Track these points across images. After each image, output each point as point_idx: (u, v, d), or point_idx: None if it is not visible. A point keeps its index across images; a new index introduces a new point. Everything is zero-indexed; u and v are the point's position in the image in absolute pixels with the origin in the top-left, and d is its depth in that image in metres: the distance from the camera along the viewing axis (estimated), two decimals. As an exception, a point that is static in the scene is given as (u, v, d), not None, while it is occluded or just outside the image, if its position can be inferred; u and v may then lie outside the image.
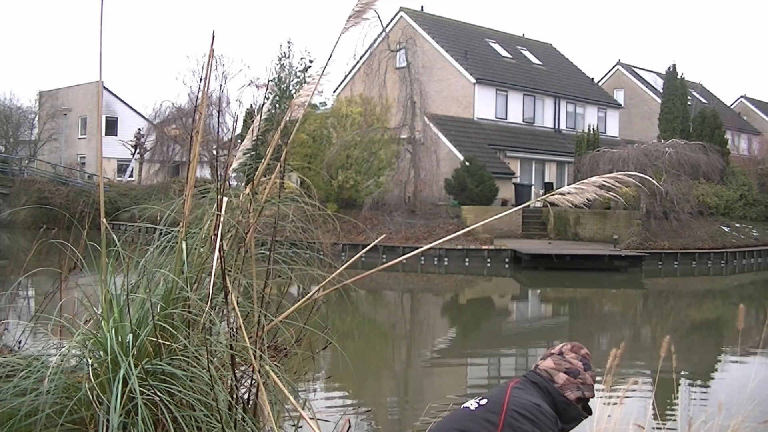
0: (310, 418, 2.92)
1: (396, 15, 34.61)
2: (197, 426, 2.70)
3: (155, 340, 2.78)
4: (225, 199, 2.94)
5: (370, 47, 27.91)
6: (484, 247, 22.64)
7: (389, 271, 19.27)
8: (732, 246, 24.71)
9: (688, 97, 34.16)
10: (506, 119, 33.67)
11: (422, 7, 36.30)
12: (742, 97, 56.23)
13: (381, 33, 28.01)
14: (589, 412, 2.69)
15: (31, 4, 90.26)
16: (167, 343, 2.82)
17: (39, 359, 2.84)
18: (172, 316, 2.94)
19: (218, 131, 27.04)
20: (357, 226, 22.09)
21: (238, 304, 3.02)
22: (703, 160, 23.88)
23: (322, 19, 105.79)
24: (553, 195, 2.96)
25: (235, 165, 3.52)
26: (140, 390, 2.53)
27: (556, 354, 2.70)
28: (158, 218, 3.35)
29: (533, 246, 23.23)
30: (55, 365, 2.66)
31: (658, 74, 42.91)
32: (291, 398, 2.93)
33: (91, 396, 2.54)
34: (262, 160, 3.36)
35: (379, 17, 26.10)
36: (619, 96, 43.67)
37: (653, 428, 5.44)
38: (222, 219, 2.88)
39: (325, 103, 31.35)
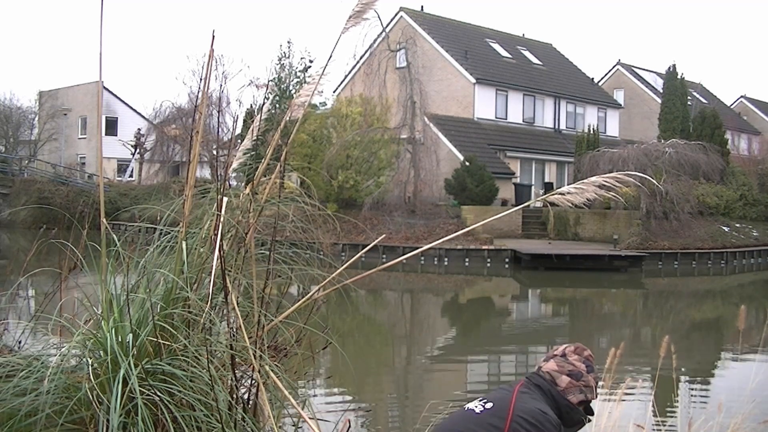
0: (310, 418, 2.92)
1: (396, 15, 34.61)
2: (197, 426, 2.69)
3: (155, 340, 2.78)
4: (225, 199, 2.94)
5: (370, 47, 27.90)
6: (484, 247, 22.64)
7: (389, 271, 19.27)
8: (732, 246, 24.70)
9: (688, 97, 34.14)
10: (506, 119, 33.67)
11: (422, 7, 36.31)
12: (742, 97, 56.22)
13: (381, 33, 28.00)
14: (591, 412, 2.66)
15: (31, 4, 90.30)
16: (167, 343, 2.82)
17: (39, 359, 2.84)
18: (172, 316, 2.93)
19: (218, 131, 27.03)
20: (357, 226, 22.09)
21: (238, 304, 3.02)
22: (703, 160, 23.87)
23: (322, 19, 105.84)
24: (553, 195, 2.95)
25: (235, 165, 3.52)
26: (140, 390, 2.52)
27: (559, 356, 2.66)
28: (158, 218, 3.35)
29: (533, 246, 23.22)
30: (55, 365, 2.66)
31: (658, 74, 42.90)
32: (291, 398, 2.92)
33: (91, 396, 2.54)
34: (262, 160, 3.35)
35: (379, 17, 26.13)
36: (619, 96, 43.66)
37: (653, 428, 5.43)
38: (222, 219, 2.87)
39: (325, 103, 31.34)
